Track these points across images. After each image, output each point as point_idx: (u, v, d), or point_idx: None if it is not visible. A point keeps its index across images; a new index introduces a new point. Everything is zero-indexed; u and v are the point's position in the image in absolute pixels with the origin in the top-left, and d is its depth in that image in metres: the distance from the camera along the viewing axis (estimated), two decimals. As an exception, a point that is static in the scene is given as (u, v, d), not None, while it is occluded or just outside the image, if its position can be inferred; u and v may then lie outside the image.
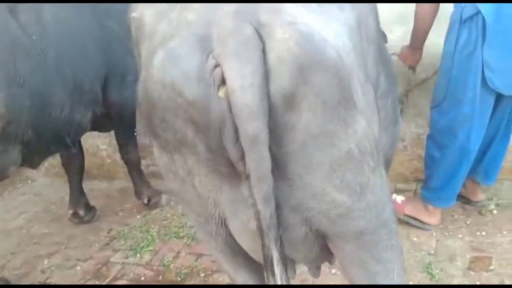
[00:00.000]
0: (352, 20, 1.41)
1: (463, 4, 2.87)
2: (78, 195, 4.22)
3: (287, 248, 1.50)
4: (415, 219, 3.41)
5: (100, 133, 4.61)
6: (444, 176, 3.20)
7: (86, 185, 4.94)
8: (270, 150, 1.26)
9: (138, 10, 1.51)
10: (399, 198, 3.51)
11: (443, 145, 3.15)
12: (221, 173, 1.39)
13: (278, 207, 1.34)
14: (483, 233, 3.33)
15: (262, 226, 1.32)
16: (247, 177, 1.29)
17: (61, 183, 5.21)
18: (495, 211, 3.55)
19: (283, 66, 1.24)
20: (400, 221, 3.29)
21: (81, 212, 4.18)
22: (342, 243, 1.50)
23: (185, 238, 3.77)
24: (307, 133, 1.29)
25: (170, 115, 1.32)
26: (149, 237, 3.87)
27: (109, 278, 3.39)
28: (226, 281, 3.18)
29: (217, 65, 1.25)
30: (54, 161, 5.27)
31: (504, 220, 3.43)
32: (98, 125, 3.73)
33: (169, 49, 1.30)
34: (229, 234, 1.58)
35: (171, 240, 3.79)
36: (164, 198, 4.38)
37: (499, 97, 2.99)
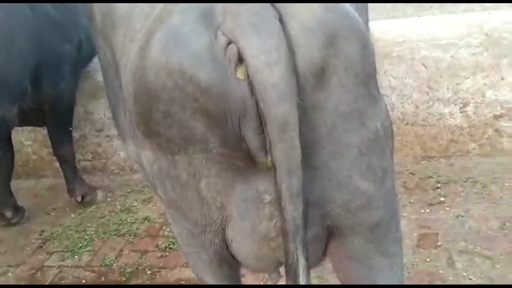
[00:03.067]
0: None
1: None
2: (5, 195, 3.86)
3: None
4: None
5: (24, 128, 4.27)
6: None
7: (12, 185, 4.58)
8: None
9: None
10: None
11: None
12: (235, 168, 1.21)
13: (306, 205, 1.16)
14: (427, 210, 3.39)
15: (287, 228, 1.15)
16: (270, 169, 1.12)
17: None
18: (436, 189, 3.62)
19: (309, 36, 1.07)
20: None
21: (8, 214, 3.84)
22: (352, 238, 1.35)
23: (127, 235, 3.57)
24: (337, 113, 1.14)
25: (177, 108, 1.12)
26: (86, 236, 3.63)
27: (46, 284, 3.13)
28: (174, 277, 3.04)
29: (230, 42, 1.07)
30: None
31: (445, 196, 3.51)
32: (29, 120, 3.44)
33: (170, 28, 1.10)
34: (223, 243, 1.41)
35: (111, 238, 3.56)
36: (100, 195, 4.13)
37: None
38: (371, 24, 4.00)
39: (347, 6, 1.18)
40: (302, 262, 1.18)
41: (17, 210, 3.90)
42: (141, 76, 1.15)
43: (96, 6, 1.44)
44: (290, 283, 1.20)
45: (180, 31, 1.10)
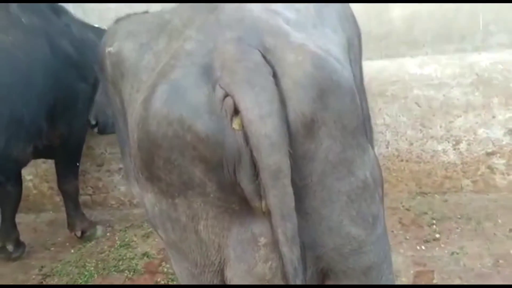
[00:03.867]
0: (344, 41, 1.39)
1: None
2: (9, 228, 3.86)
3: None
4: None
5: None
6: None
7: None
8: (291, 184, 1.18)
9: (115, 45, 1.40)
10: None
11: None
12: (232, 212, 1.29)
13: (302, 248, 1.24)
14: (423, 247, 3.44)
15: (287, 271, 1.22)
16: (265, 213, 1.20)
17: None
18: (431, 226, 3.69)
19: (300, 91, 1.16)
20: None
21: (10, 247, 3.84)
22: (347, 281, 1.42)
23: (126, 271, 3.59)
24: (326, 162, 1.22)
25: (177, 155, 1.21)
26: (86, 272, 3.65)
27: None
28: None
29: (226, 95, 1.16)
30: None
31: (440, 232, 3.57)
32: (39, 155, 3.50)
33: (172, 82, 1.20)
34: (222, 284, 1.48)
35: (110, 275, 3.59)
36: (99, 230, 4.18)
37: None
38: (366, 63, 4.12)
39: (335, 62, 1.27)
40: None
41: (19, 245, 3.91)
42: (144, 125, 1.25)
43: (107, 56, 1.53)
44: None
45: (181, 85, 1.20)
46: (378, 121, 4.04)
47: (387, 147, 4.08)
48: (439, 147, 4.00)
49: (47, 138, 3.31)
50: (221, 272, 1.44)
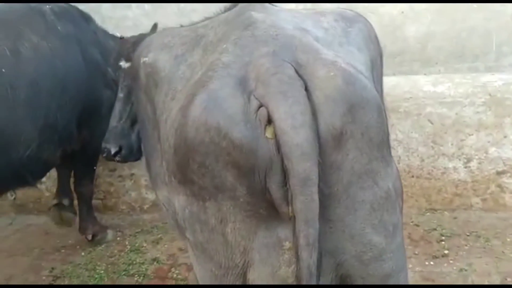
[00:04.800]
0: (368, 60, 1.45)
1: None
2: (66, 186, 4.08)
3: None
4: None
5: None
6: None
7: (23, 220, 4.69)
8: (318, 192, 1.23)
9: (150, 55, 1.47)
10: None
11: None
12: (259, 216, 1.35)
13: (320, 254, 1.30)
14: (431, 262, 3.47)
15: (302, 274, 1.27)
16: (291, 219, 1.25)
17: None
18: (440, 242, 3.71)
19: (331, 104, 1.23)
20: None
21: (66, 202, 4.06)
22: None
23: (136, 276, 3.62)
24: (352, 172, 1.28)
25: (211, 160, 1.27)
26: (96, 275, 3.69)
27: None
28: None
29: (260, 106, 1.22)
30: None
31: (449, 249, 3.60)
32: (65, 160, 3.58)
33: (210, 91, 1.26)
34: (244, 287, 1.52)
35: (120, 279, 3.62)
36: (110, 234, 4.21)
37: None
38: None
39: (364, 79, 1.34)
40: None
41: (72, 200, 4.12)
42: (182, 131, 1.32)
43: (142, 66, 1.59)
44: None
45: (218, 95, 1.27)
46: (391, 137, 4.08)
47: (399, 163, 4.10)
48: (450, 165, 4.04)
49: (75, 142, 3.41)
50: (244, 275, 1.48)
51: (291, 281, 1.42)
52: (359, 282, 1.46)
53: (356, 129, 1.26)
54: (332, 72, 1.25)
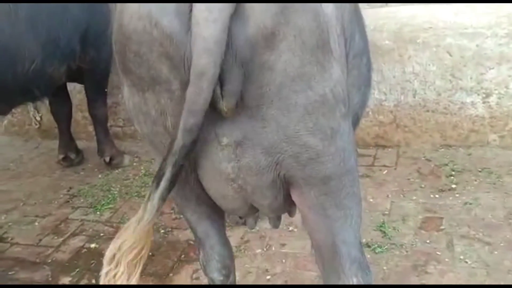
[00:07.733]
0: None
1: None
2: (67, 140, 4.41)
3: (255, 194, 1.53)
4: None
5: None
6: None
7: (48, 145, 4.92)
8: (245, 90, 1.26)
9: None
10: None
11: None
12: None
13: (250, 147, 1.36)
14: (437, 195, 3.43)
15: (172, 148, 1.33)
16: (227, 114, 1.30)
17: (20, 142, 5.15)
18: (450, 176, 3.65)
19: (263, 4, 1.22)
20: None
21: (72, 156, 4.41)
22: (307, 189, 1.51)
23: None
24: (285, 74, 1.29)
25: (146, 49, 1.28)
26: (109, 195, 3.87)
27: (67, 234, 3.38)
28: (184, 238, 3.22)
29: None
30: (13, 119, 5.19)
31: (457, 183, 3.54)
32: (74, 78, 3.80)
33: None
34: (197, 181, 1.58)
35: (132, 199, 3.79)
36: (126, 159, 4.38)
37: None
38: (398, 7, 4.01)
39: None
40: (167, 176, 1.37)
41: (78, 152, 4.49)
42: (119, 18, 1.34)
43: None
44: (152, 188, 1.41)
45: None
46: (407, 69, 3.97)
47: (414, 96, 4.01)
48: (468, 99, 3.90)
49: (80, 60, 3.55)
50: (195, 170, 1.53)
51: (232, 176, 1.48)
52: (302, 183, 1.49)
53: (288, 31, 1.25)
54: None
